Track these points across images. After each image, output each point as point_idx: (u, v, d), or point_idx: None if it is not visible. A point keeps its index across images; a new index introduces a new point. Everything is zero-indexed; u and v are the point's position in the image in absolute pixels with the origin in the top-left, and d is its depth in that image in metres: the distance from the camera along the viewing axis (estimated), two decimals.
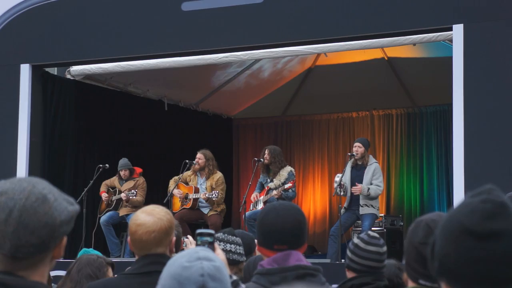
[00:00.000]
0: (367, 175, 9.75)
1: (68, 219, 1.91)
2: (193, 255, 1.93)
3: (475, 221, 1.57)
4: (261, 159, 10.42)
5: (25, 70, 10.07)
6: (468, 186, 7.75)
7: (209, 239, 2.58)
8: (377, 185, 9.69)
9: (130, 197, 10.68)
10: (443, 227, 1.63)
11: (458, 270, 1.58)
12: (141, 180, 11.00)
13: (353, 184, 9.75)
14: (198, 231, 2.65)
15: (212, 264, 1.92)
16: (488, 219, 1.57)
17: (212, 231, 2.65)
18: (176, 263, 1.93)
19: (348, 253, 3.89)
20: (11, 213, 1.85)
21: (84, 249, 5.17)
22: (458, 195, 7.86)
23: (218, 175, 10.63)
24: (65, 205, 1.92)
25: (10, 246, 1.85)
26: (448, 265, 1.59)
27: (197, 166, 10.54)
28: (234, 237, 4.39)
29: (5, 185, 1.91)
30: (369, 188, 9.62)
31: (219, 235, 4.31)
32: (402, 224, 11.60)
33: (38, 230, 1.86)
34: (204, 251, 1.96)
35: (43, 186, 1.92)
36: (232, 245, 4.35)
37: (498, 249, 1.55)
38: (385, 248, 3.91)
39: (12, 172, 9.77)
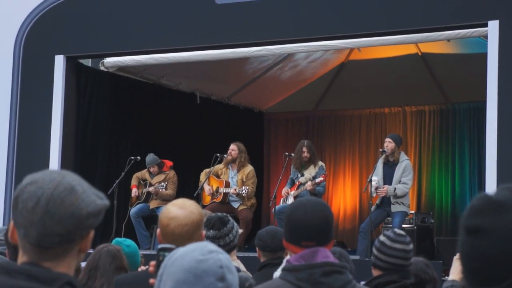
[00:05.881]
0: (398, 172, 9.67)
1: (95, 212, 1.92)
2: (204, 249, 1.93)
3: (466, 216, 1.63)
4: (291, 154, 10.39)
5: (59, 61, 10.16)
6: (500, 184, 7.67)
7: (166, 253, 2.52)
8: (405, 183, 9.59)
9: (160, 190, 10.71)
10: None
11: (463, 266, 1.62)
12: (172, 173, 11.02)
13: (385, 181, 9.68)
14: (161, 246, 2.63)
15: (226, 257, 1.94)
16: (476, 215, 1.60)
17: (173, 246, 2.61)
18: (187, 257, 1.92)
19: (374, 251, 3.87)
20: (39, 201, 1.86)
21: (117, 238, 5.18)
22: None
23: (249, 168, 10.64)
24: (93, 198, 1.93)
25: (36, 235, 1.86)
26: (462, 262, 1.64)
27: (229, 157, 10.55)
28: (225, 227, 4.37)
29: (36, 175, 1.93)
30: (395, 189, 9.53)
31: (212, 233, 4.29)
32: (432, 221, 11.52)
33: (64, 220, 1.86)
34: (211, 245, 1.96)
35: (73, 178, 1.93)
36: (227, 237, 4.35)
37: (481, 245, 1.57)
38: (411, 246, 3.88)
39: (45, 161, 9.87)
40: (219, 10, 9.40)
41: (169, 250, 2.49)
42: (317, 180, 10.07)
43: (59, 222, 1.86)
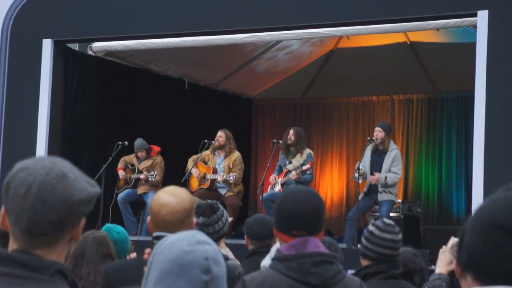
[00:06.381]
0: (387, 161, 9.70)
1: (87, 199, 1.90)
2: (192, 239, 1.91)
3: (508, 216, 1.53)
4: (279, 141, 10.40)
5: (47, 46, 10.08)
6: (487, 174, 7.71)
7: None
8: (395, 173, 9.64)
9: (149, 179, 10.71)
10: (474, 219, 1.59)
11: (487, 264, 1.55)
12: (159, 159, 11.02)
13: (372, 169, 9.71)
14: (156, 234, 2.62)
15: (213, 248, 1.92)
16: None
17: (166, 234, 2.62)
18: (174, 247, 1.91)
19: (363, 240, 3.87)
20: (30, 188, 1.85)
21: (107, 224, 5.16)
22: (477, 182, 7.81)
23: (236, 154, 10.65)
24: (85, 185, 1.92)
25: (27, 221, 1.85)
26: (477, 258, 1.56)
27: (216, 144, 10.57)
28: (215, 215, 4.36)
29: (28, 161, 1.92)
30: (386, 177, 9.56)
31: (201, 219, 4.27)
32: (419, 210, 11.57)
33: (56, 206, 1.85)
34: (200, 235, 1.94)
35: (64, 165, 1.92)
36: (216, 225, 4.34)
37: None
38: (400, 236, 3.88)
39: (32, 146, 9.83)
40: None
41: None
42: (304, 167, 10.08)
43: (50, 209, 1.85)
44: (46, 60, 10.07)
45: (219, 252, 1.95)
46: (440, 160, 13.11)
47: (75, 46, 11.31)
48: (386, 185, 9.59)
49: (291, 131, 10.38)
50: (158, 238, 2.61)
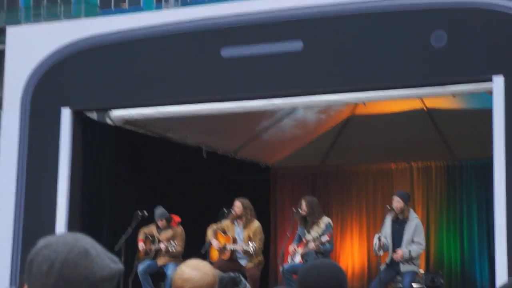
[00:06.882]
0: (408, 232, 9.58)
1: (109, 276, 1.89)
2: None
3: None
4: (299, 209, 10.33)
5: (66, 115, 10.17)
6: (510, 244, 7.58)
7: None
8: (419, 243, 9.51)
9: (170, 250, 10.63)
10: None
11: None
12: (179, 229, 10.95)
13: (394, 238, 9.58)
14: None
15: None
16: None
17: None
18: None
19: None
20: (53, 265, 1.86)
21: None
22: (500, 253, 7.68)
23: (256, 224, 10.57)
24: (107, 262, 1.91)
25: None
26: None
27: (234, 215, 10.50)
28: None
29: (50, 238, 1.93)
30: (410, 251, 9.43)
31: None
32: (442, 281, 11.41)
33: (79, 283, 1.85)
34: None
35: (87, 241, 1.92)
36: None
37: None
38: None
39: (52, 216, 9.82)
40: (224, 64, 9.44)
41: None
42: (323, 239, 9.98)
43: (73, 286, 1.84)
44: (65, 129, 10.13)
45: None
46: (462, 229, 12.95)
47: (93, 115, 11.41)
48: (411, 259, 9.46)
49: (303, 202, 10.32)
50: None
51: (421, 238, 9.57)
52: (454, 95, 9.89)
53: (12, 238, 10.05)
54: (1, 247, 10.07)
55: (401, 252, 9.38)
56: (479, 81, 8.60)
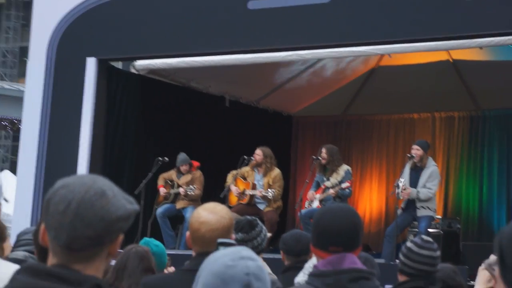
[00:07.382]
0: (423, 177, 9.65)
1: (125, 216, 1.94)
2: (236, 254, 1.94)
3: None
4: (319, 157, 10.38)
5: (91, 64, 10.23)
6: None
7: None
8: (429, 188, 9.57)
9: (189, 193, 10.76)
10: None
11: None
12: (198, 173, 11.06)
13: (411, 185, 9.64)
14: (220, 240, 2.67)
15: (256, 264, 1.94)
16: None
17: (233, 241, 2.64)
18: (218, 261, 1.94)
19: (401, 256, 3.87)
20: (70, 205, 1.90)
21: (145, 238, 5.20)
22: None
23: (276, 171, 10.66)
24: (123, 202, 1.95)
25: (66, 237, 1.89)
26: None
27: (254, 162, 10.60)
28: (254, 231, 4.42)
29: (68, 179, 1.97)
30: (418, 191, 9.49)
31: (240, 235, 4.33)
32: (459, 226, 11.43)
33: (94, 223, 1.90)
34: (246, 251, 1.97)
35: (104, 182, 1.96)
36: (255, 240, 4.40)
37: None
38: (438, 253, 3.87)
39: (73, 162, 9.95)
40: (250, 15, 9.41)
41: (227, 245, 2.54)
42: (343, 185, 10.06)
43: (89, 225, 1.89)
44: (90, 78, 10.21)
45: (263, 268, 1.96)
46: (481, 177, 12.95)
47: (119, 65, 11.47)
48: (419, 200, 9.53)
49: (324, 150, 10.36)
50: (223, 244, 2.67)
51: (432, 184, 9.62)
52: (481, 47, 9.81)
53: (34, 180, 10.21)
54: (23, 189, 10.25)
55: (410, 190, 9.46)
56: (508, 34, 8.53)
